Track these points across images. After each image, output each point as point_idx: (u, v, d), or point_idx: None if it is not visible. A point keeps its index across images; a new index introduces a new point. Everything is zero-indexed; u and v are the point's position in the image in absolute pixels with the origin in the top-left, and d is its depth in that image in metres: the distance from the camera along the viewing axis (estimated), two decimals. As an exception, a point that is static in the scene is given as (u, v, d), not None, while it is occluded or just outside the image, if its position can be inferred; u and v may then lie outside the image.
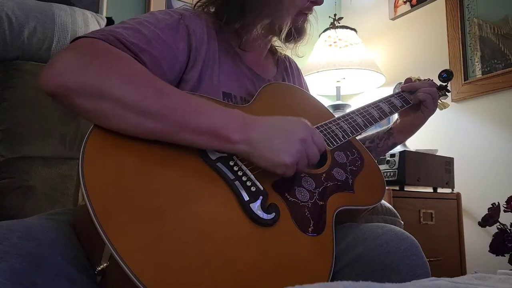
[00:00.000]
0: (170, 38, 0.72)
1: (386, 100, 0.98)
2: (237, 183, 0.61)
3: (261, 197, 0.61)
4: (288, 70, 1.00)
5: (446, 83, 1.09)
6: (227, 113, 0.63)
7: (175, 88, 0.64)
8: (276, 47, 0.98)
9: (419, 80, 1.08)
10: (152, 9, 1.77)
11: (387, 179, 1.54)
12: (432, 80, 1.09)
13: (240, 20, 0.80)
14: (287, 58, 1.02)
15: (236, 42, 0.84)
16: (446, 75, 1.07)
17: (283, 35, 0.84)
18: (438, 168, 1.63)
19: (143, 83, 0.59)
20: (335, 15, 2.08)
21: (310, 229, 0.63)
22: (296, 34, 0.87)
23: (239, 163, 0.64)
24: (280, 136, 0.63)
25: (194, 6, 0.88)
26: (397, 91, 1.04)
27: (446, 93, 1.11)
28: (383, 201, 1.23)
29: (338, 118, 0.87)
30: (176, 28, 0.74)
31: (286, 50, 0.95)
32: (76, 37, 0.63)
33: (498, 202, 1.35)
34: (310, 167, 0.69)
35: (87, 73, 0.56)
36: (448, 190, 1.69)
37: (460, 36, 1.84)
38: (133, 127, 0.57)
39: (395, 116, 1.05)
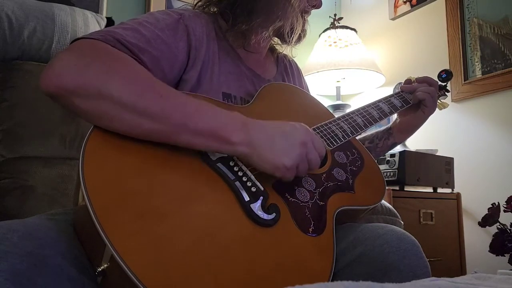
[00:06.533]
0: (170, 38, 0.72)
1: (386, 100, 0.98)
2: (237, 183, 0.61)
3: (261, 198, 0.61)
4: (288, 70, 1.00)
5: (445, 83, 1.09)
6: (227, 114, 0.62)
7: (175, 90, 0.64)
8: (274, 45, 0.98)
9: None
10: (152, 9, 1.76)
11: (387, 179, 1.54)
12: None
13: (249, 21, 0.80)
14: (286, 57, 1.02)
15: (240, 42, 0.84)
16: (445, 75, 1.07)
17: (295, 37, 0.86)
18: (438, 168, 1.63)
19: (142, 84, 0.59)
20: (335, 15, 2.08)
21: (310, 229, 0.63)
22: (302, 36, 0.89)
23: (240, 163, 0.64)
24: (280, 138, 0.63)
25: (195, 6, 0.87)
26: (396, 91, 1.04)
27: (446, 93, 1.11)
28: (383, 201, 1.23)
29: (338, 118, 0.87)
30: (175, 28, 0.74)
31: (284, 49, 0.95)
32: (75, 38, 0.63)
33: (498, 202, 1.35)
34: (310, 171, 0.68)
35: (87, 74, 0.56)
36: (448, 190, 1.69)
37: (460, 36, 1.84)
38: (132, 128, 0.57)
39: (394, 115, 1.05)
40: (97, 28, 1.32)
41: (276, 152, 0.61)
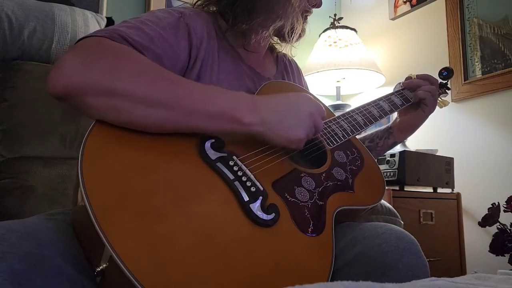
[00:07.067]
0: (172, 37, 0.72)
1: (386, 98, 0.98)
2: (236, 183, 0.61)
3: (260, 198, 0.61)
4: (288, 69, 1.00)
5: (446, 81, 1.09)
6: (236, 96, 0.66)
7: (183, 78, 0.65)
8: (274, 44, 0.98)
9: None
10: (152, 9, 1.76)
11: (387, 179, 1.53)
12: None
13: (249, 21, 0.80)
14: (286, 56, 1.02)
15: (240, 42, 0.84)
16: (446, 73, 1.07)
17: (295, 37, 0.87)
18: (438, 168, 1.63)
19: (152, 74, 0.60)
20: (335, 15, 2.08)
21: (309, 229, 0.63)
22: (302, 34, 0.89)
23: (239, 163, 0.64)
24: (290, 113, 0.67)
25: (194, 5, 0.88)
26: (397, 89, 1.04)
27: (446, 90, 1.11)
28: (383, 201, 1.23)
29: (338, 117, 0.87)
30: (176, 27, 0.74)
31: (283, 48, 0.95)
32: (80, 38, 0.63)
33: (498, 202, 1.35)
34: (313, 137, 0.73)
35: (95, 71, 0.56)
36: (448, 190, 1.69)
37: (460, 36, 1.84)
38: (144, 118, 0.58)
39: (395, 114, 1.05)
40: (97, 28, 1.32)
41: (289, 128, 0.67)
